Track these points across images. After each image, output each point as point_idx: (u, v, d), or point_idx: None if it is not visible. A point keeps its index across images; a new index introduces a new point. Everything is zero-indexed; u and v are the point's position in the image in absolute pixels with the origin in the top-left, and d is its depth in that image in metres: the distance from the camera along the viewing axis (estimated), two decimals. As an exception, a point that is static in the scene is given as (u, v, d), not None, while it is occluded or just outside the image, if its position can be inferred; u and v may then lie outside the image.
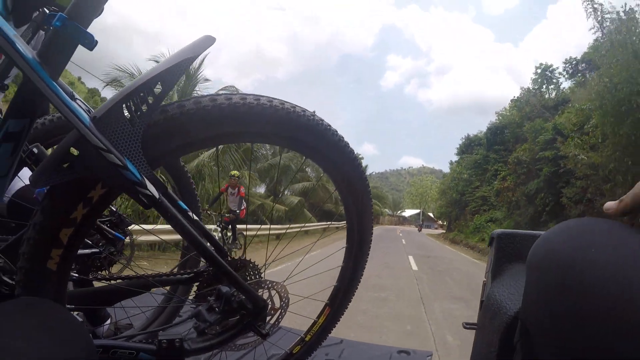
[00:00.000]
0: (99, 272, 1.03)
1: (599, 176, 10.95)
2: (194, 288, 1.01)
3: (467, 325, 0.90)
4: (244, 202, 7.74)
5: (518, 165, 17.50)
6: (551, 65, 22.58)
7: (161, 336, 0.72)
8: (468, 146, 27.75)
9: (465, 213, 24.33)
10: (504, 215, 18.54)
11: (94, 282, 0.87)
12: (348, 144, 0.83)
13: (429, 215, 61.25)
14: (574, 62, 20.53)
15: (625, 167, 9.74)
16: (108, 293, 0.80)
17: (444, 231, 31.92)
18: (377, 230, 25.99)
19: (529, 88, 22.80)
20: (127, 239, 1.10)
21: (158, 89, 0.63)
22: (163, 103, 0.65)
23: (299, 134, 0.76)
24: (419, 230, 43.54)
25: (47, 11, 0.68)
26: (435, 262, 11.26)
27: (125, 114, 0.62)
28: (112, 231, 1.05)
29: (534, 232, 0.86)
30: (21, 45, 0.60)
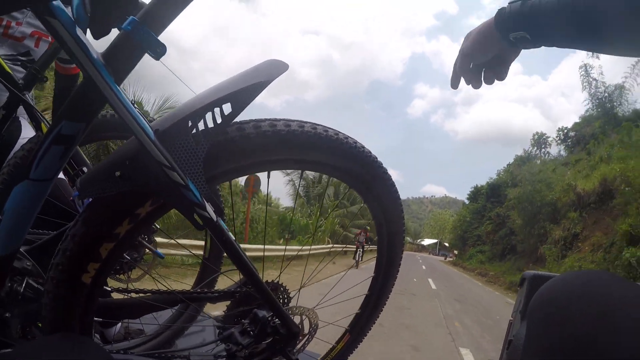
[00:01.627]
0: (116, 276, 0.99)
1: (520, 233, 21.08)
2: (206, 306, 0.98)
3: None
4: (366, 240, 16.43)
5: (497, 217, 27.48)
6: (545, 134, 30.90)
7: (193, 356, 0.70)
8: (475, 194, 35.18)
9: (466, 246, 34.49)
10: (489, 249, 27.85)
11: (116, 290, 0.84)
12: (391, 178, 0.84)
13: (445, 245, 66.93)
14: (566, 130, 26.57)
15: (524, 233, 20.21)
16: (134, 306, 0.77)
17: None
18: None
19: (521, 156, 30.85)
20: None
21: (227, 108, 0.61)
22: None
23: (350, 165, 0.76)
24: (445, 259, 47.66)
25: None
26: (435, 269, 23.85)
27: (190, 131, 0.60)
28: (145, 242, 1.01)
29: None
30: (87, 44, 0.57)
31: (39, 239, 0.79)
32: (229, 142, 0.63)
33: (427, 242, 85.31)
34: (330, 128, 0.73)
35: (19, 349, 0.61)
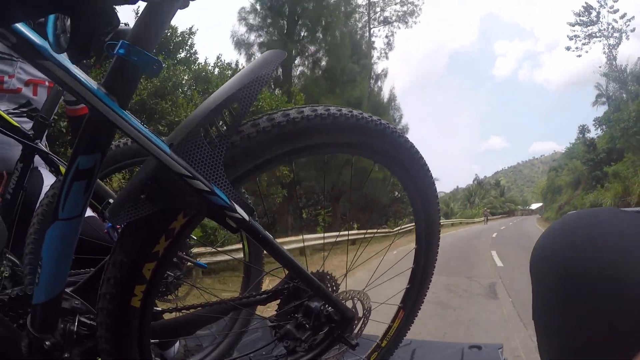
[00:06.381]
0: (165, 297, 1.00)
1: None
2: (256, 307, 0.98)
3: None
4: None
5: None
6: (586, 125, 40.33)
7: (255, 361, 0.70)
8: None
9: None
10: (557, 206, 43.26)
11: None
12: (414, 145, 0.81)
13: (549, 206, 77.58)
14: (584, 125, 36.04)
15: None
16: (189, 322, 0.78)
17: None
18: (510, 219, 56.29)
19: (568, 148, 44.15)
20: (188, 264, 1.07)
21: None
22: None
23: (370, 140, 0.74)
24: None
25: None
26: (520, 221, 42.93)
27: (204, 138, 0.59)
28: (184, 255, 1.02)
29: None
30: (84, 77, 0.56)
31: (83, 278, 0.80)
32: (245, 140, 0.62)
33: (534, 206, 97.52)
34: (343, 108, 0.71)
35: None
